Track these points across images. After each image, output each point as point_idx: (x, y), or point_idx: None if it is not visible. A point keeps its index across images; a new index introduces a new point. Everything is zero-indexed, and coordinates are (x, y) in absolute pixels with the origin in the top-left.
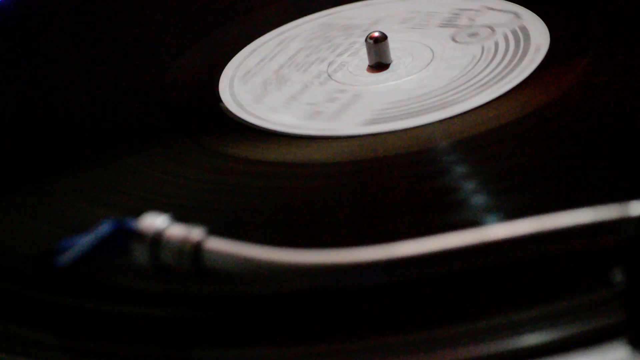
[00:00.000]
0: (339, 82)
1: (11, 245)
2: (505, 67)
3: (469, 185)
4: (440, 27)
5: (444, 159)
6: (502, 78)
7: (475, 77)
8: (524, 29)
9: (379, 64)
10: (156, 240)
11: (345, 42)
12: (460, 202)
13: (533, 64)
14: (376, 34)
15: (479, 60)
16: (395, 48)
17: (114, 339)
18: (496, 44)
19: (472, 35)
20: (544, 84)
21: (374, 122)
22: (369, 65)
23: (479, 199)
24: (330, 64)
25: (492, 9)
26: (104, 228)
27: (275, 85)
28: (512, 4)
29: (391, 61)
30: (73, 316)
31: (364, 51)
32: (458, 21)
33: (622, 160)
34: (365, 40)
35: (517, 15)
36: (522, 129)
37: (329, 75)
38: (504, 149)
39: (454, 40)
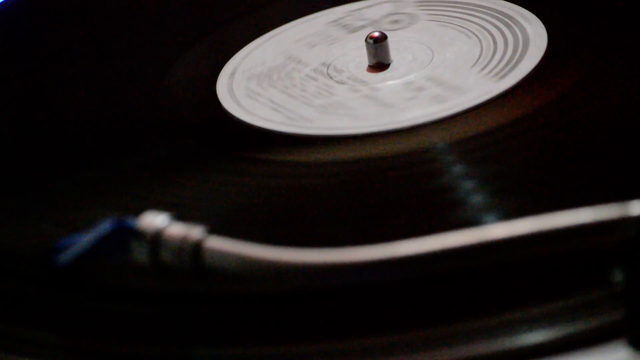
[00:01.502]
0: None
1: (11, 245)
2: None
3: (469, 185)
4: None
5: (443, 158)
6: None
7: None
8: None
9: (379, 64)
10: (156, 239)
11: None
12: (460, 202)
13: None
14: (376, 34)
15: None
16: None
17: (114, 338)
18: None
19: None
20: (544, 84)
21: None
22: (369, 65)
23: (478, 199)
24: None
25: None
26: (103, 227)
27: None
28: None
29: (391, 61)
30: (73, 315)
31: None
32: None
33: (622, 160)
34: (365, 40)
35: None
36: (522, 128)
37: (331, 77)
38: (504, 149)
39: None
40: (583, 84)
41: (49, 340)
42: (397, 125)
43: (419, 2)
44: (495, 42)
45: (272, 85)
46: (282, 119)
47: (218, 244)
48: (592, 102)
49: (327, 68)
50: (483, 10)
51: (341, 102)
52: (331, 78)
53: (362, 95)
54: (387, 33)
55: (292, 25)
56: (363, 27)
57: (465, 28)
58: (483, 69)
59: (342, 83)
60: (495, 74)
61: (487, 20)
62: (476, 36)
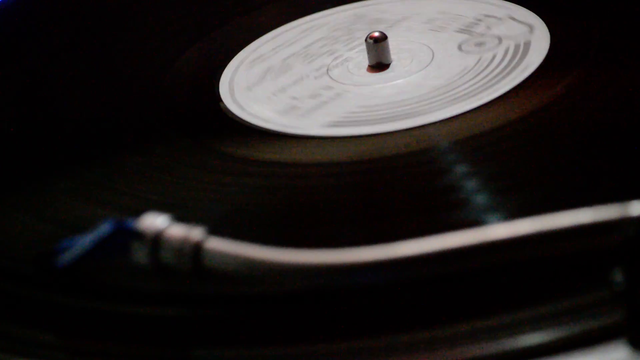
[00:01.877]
0: (331, 79)
1: (11, 245)
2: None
3: (469, 185)
4: (457, 32)
5: (444, 159)
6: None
7: (457, 88)
8: (527, 45)
9: (379, 64)
10: (156, 240)
11: (363, 36)
12: (460, 202)
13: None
14: (376, 34)
15: (469, 71)
16: (404, 49)
17: (114, 339)
18: (493, 57)
19: (479, 44)
20: (543, 84)
21: (337, 124)
22: (369, 65)
23: (478, 199)
24: (336, 58)
25: (514, 19)
26: (104, 228)
27: (275, 73)
28: (533, 15)
29: (391, 61)
30: (73, 316)
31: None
32: (475, 28)
33: (622, 160)
34: (365, 40)
35: (531, 28)
36: (522, 129)
37: (327, 70)
38: (504, 149)
39: (459, 48)
40: (583, 84)
41: (50, 341)
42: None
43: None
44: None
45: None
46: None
47: (218, 245)
48: (592, 102)
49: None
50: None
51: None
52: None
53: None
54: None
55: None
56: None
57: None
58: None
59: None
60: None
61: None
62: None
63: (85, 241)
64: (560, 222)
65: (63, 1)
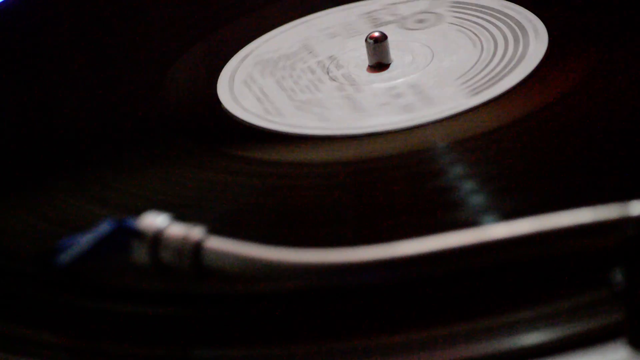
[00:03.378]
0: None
1: (11, 245)
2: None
3: (469, 185)
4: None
5: (443, 158)
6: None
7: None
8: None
9: (379, 64)
10: (156, 239)
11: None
12: (460, 202)
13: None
14: (376, 34)
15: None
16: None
17: (114, 338)
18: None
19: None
20: (543, 85)
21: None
22: (369, 65)
23: (478, 199)
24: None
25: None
26: (104, 227)
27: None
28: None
29: (391, 61)
30: (73, 315)
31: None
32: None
33: (622, 160)
34: (365, 40)
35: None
36: (522, 129)
37: (327, 70)
38: (504, 149)
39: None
40: (583, 85)
41: (49, 340)
42: (357, 131)
43: (454, 3)
44: (494, 52)
45: (272, 73)
46: (260, 111)
47: (218, 244)
48: (592, 102)
49: (330, 62)
50: (502, 18)
51: (320, 100)
52: (327, 73)
53: (343, 95)
54: (407, 32)
55: (326, 12)
56: (390, 22)
57: (476, 35)
58: (467, 81)
59: (334, 80)
60: (473, 89)
61: (499, 28)
62: (481, 44)
63: (85, 240)
64: (560, 222)
65: (63, 1)
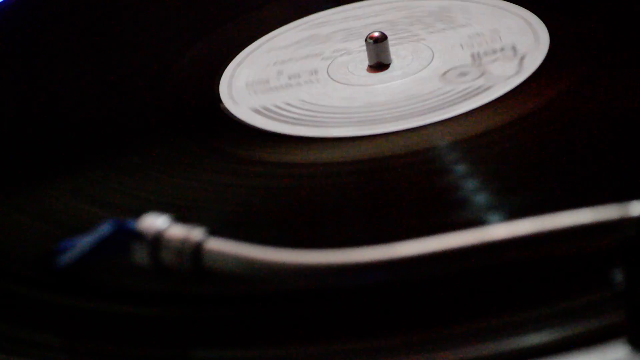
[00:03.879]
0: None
1: (11, 246)
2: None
3: (469, 185)
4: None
5: (444, 159)
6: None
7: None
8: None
9: (379, 64)
10: (156, 240)
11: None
12: (460, 202)
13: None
14: (376, 34)
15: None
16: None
17: (114, 339)
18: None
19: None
20: (543, 85)
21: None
22: (369, 65)
23: (478, 199)
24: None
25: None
26: (104, 228)
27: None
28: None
29: (391, 61)
30: (73, 317)
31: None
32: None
33: (622, 160)
34: (365, 40)
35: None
36: (522, 129)
37: (327, 70)
38: (504, 149)
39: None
40: (583, 84)
41: (50, 342)
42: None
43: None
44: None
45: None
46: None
47: (218, 245)
48: (592, 102)
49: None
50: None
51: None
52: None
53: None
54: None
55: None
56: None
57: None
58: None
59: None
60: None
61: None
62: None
63: (85, 242)
64: (560, 222)
65: (63, 1)
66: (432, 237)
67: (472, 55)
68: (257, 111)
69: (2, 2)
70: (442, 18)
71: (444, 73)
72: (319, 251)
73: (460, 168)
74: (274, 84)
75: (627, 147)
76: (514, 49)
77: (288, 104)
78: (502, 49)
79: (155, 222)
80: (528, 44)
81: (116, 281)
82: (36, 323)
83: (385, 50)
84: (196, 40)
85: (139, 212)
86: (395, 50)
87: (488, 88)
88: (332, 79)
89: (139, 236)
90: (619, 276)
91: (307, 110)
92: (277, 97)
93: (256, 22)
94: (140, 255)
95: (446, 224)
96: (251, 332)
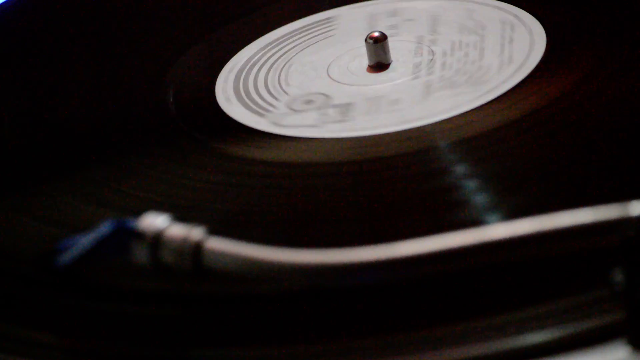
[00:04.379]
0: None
1: (11, 245)
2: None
3: (469, 185)
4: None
5: (444, 158)
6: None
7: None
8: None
9: (379, 64)
10: (156, 240)
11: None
12: (460, 202)
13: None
14: (376, 34)
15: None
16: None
17: (113, 338)
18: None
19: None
20: (543, 85)
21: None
22: (369, 65)
23: (479, 199)
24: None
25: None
26: (104, 228)
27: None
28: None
29: (391, 61)
30: (73, 316)
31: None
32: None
33: (622, 160)
34: (365, 40)
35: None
36: (522, 129)
37: (327, 70)
38: (504, 149)
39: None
40: (583, 84)
41: (50, 341)
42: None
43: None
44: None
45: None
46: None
47: (218, 245)
48: (592, 102)
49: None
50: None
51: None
52: (327, 73)
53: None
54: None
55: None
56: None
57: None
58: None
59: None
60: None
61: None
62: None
63: (85, 241)
64: (560, 222)
65: (63, 1)
66: (432, 237)
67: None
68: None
69: (2, 2)
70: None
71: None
72: (319, 251)
73: (460, 168)
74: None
75: (627, 147)
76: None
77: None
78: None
79: (155, 221)
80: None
81: (116, 281)
82: (36, 323)
83: (385, 51)
84: (196, 40)
85: (139, 212)
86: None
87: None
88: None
89: (139, 235)
90: (619, 276)
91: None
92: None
93: (256, 22)
94: (140, 254)
95: (446, 224)
96: (251, 331)
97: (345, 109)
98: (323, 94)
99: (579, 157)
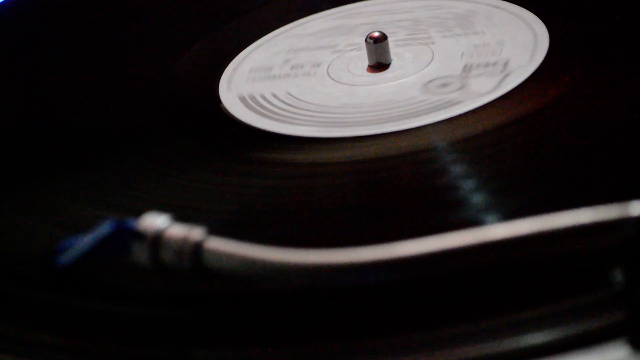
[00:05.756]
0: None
1: (11, 246)
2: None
3: (469, 185)
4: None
5: (444, 158)
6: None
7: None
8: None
9: (379, 64)
10: (156, 240)
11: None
12: (460, 202)
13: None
14: (376, 34)
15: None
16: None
17: (114, 339)
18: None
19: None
20: (543, 84)
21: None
22: (369, 65)
23: (479, 199)
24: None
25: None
26: (104, 228)
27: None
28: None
29: (391, 61)
30: (73, 316)
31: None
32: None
33: (622, 160)
34: (365, 40)
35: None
36: (522, 129)
37: (327, 70)
38: (504, 149)
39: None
40: (583, 84)
41: (50, 342)
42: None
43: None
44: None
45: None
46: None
47: (218, 245)
48: (592, 102)
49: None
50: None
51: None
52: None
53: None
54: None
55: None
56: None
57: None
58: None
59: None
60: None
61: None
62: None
63: (85, 241)
64: (560, 222)
65: (63, 1)
66: (432, 236)
67: (465, 67)
68: (242, 99)
69: (2, 2)
70: (463, 23)
71: (428, 82)
72: (319, 251)
73: (460, 168)
74: (275, 73)
75: (627, 147)
76: (505, 65)
77: (274, 95)
78: (494, 64)
79: (155, 221)
80: (521, 61)
81: (116, 281)
82: (36, 323)
83: (385, 51)
84: (196, 40)
85: (139, 212)
86: (401, 52)
87: (457, 103)
88: (328, 74)
89: (139, 236)
90: (619, 276)
91: (286, 104)
92: (269, 86)
93: (257, 22)
94: (140, 254)
95: (446, 223)
96: (251, 332)
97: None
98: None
99: (578, 157)
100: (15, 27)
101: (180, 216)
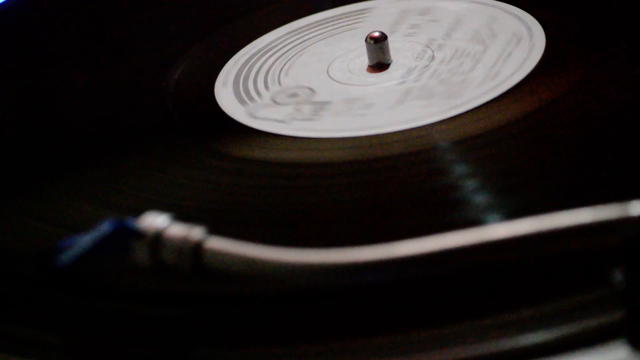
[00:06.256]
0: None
1: (11, 245)
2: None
3: (469, 185)
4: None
5: (444, 158)
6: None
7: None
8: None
9: (379, 64)
10: (156, 239)
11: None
12: (460, 202)
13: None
14: (376, 34)
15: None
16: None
17: (114, 339)
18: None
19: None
20: (544, 84)
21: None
22: (369, 65)
23: (479, 199)
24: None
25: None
26: (104, 227)
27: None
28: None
29: (391, 61)
30: (73, 316)
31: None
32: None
33: (622, 160)
34: (366, 40)
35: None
36: (522, 129)
37: (327, 70)
38: (504, 149)
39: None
40: (583, 84)
41: (50, 341)
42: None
43: None
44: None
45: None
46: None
47: (218, 244)
48: (592, 102)
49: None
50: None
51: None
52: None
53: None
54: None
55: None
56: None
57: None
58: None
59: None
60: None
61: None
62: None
63: (85, 241)
64: (560, 222)
65: (63, 1)
66: (432, 236)
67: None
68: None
69: (2, 2)
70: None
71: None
72: (319, 250)
73: (460, 168)
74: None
75: (627, 147)
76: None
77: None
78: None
79: (155, 221)
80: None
81: (116, 280)
82: (36, 322)
83: (386, 51)
84: (196, 40)
85: (139, 212)
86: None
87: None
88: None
89: (139, 235)
90: (619, 276)
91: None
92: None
93: (256, 22)
94: (140, 254)
95: (446, 223)
96: (251, 331)
97: (320, 107)
98: (309, 89)
99: (578, 157)
100: (15, 27)
101: (180, 216)
